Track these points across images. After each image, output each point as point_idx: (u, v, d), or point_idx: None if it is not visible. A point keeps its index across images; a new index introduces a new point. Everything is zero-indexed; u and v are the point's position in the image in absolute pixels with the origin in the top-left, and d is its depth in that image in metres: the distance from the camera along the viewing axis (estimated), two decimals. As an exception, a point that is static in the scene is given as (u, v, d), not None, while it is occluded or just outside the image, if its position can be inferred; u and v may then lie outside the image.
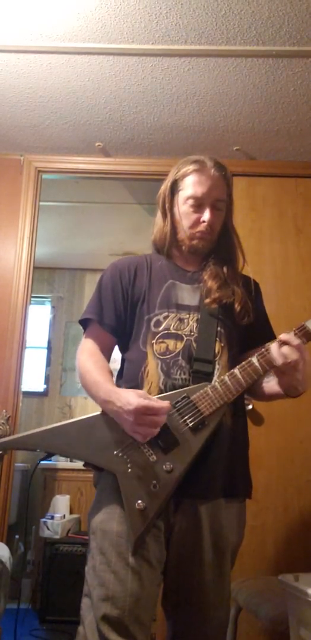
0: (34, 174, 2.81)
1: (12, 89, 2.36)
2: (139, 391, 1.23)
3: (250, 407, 2.31)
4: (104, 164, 2.85)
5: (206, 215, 1.41)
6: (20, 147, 2.78)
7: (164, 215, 1.49)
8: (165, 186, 1.50)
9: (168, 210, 1.48)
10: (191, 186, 1.43)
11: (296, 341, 1.22)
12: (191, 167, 1.44)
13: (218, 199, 1.44)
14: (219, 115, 2.46)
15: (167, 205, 1.48)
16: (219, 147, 2.64)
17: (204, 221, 1.41)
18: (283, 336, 1.24)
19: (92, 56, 2.15)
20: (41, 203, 2.84)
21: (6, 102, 2.44)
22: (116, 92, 2.35)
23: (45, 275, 4.62)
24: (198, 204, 1.42)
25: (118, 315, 1.43)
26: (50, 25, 2.01)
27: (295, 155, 2.73)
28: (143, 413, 1.18)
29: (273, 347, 1.24)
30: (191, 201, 1.42)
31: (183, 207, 1.44)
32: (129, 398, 1.20)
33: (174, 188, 1.48)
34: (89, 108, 2.46)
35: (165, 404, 1.20)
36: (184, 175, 1.45)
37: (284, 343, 1.23)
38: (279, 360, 1.21)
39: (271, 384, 1.38)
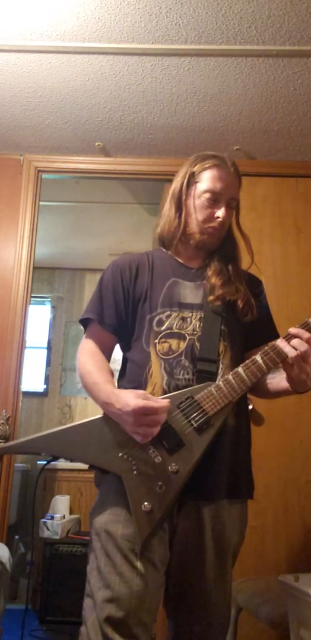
0: (33, 173, 2.81)
1: (12, 89, 2.36)
2: (139, 391, 1.22)
3: (251, 407, 2.30)
4: (104, 163, 2.84)
5: (222, 211, 1.40)
6: (20, 146, 2.78)
7: (177, 207, 1.46)
8: (182, 178, 1.47)
9: (183, 202, 1.45)
10: (209, 180, 1.41)
11: (306, 334, 1.23)
12: (211, 162, 1.43)
13: (233, 197, 1.44)
14: (220, 114, 2.46)
15: (183, 197, 1.45)
16: (220, 146, 2.64)
17: (218, 217, 1.40)
18: (292, 330, 1.25)
19: (92, 56, 2.15)
20: (41, 203, 2.84)
21: (6, 101, 2.44)
22: (115, 92, 2.35)
23: (45, 275, 4.62)
24: (214, 199, 1.41)
25: (119, 315, 1.41)
26: (50, 24, 2.01)
27: (295, 154, 2.73)
28: (142, 414, 1.17)
29: (281, 342, 1.24)
30: (208, 195, 1.40)
31: (198, 200, 1.42)
32: (128, 399, 1.19)
33: (190, 180, 1.45)
34: (89, 108, 2.46)
35: (164, 402, 1.19)
36: (203, 169, 1.43)
37: (294, 336, 1.23)
38: (291, 353, 1.21)
39: (277, 381, 1.37)
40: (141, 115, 2.49)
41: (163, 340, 1.34)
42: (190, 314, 1.37)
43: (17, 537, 3.63)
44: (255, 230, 2.66)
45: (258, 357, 1.26)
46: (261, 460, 2.31)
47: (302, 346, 1.21)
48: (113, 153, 2.81)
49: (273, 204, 2.73)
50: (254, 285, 1.50)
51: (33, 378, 4.43)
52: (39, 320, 4.55)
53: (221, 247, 1.47)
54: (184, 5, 1.91)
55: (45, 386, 4.45)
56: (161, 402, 1.19)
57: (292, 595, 1.54)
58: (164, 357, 1.32)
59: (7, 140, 2.73)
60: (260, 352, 1.26)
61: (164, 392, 1.29)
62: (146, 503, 1.18)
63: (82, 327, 1.47)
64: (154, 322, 1.37)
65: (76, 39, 2.07)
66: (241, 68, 2.18)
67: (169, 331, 1.35)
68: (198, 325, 1.35)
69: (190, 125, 2.54)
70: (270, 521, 2.34)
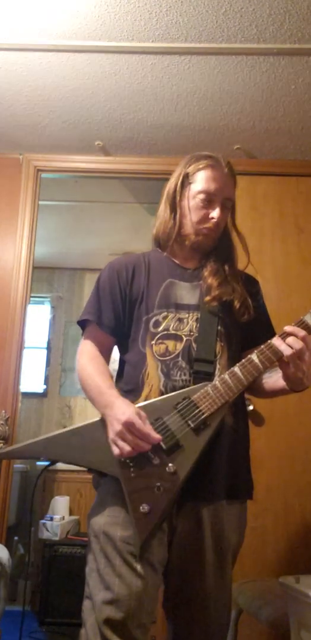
0: (33, 173, 2.80)
1: (11, 88, 2.35)
2: (141, 412, 1.21)
3: (251, 407, 2.29)
4: (103, 163, 2.84)
5: (216, 212, 1.40)
6: (19, 146, 2.77)
7: (172, 209, 1.45)
8: (176, 179, 1.46)
9: (178, 203, 1.44)
10: (204, 181, 1.41)
11: (302, 332, 1.23)
12: (205, 162, 1.42)
13: (228, 197, 1.43)
14: (220, 113, 2.45)
15: (177, 198, 1.44)
16: (220, 145, 2.63)
17: (213, 217, 1.40)
18: (287, 328, 1.24)
19: (91, 54, 2.14)
20: (40, 202, 2.83)
21: (5, 100, 2.43)
22: (115, 91, 2.34)
23: (44, 275, 4.61)
24: (209, 200, 1.40)
25: (117, 316, 1.41)
26: (50, 23, 2.00)
27: (296, 153, 2.72)
28: (129, 429, 1.17)
29: (276, 340, 1.23)
30: (202, 196, 1.40)
31: (192, 201, 1.42)
32: (125, 409, 1.20)
33: (184, 181, 1.45)
34: (88, 107, 2.45)
35: (156, 436, 1.19)
36: (197, 170, 1.42)
37: (289, 334, 1.23)
38: (287, 351, 1.21)
39: (273, 380, 1.37)
40: (141, 114, 2.48)
41: (160, 341, 1.34)
42: (187, 315, 1.37)
43: (16, 538, 3.62)
44: (256, 229, 2.65)
45: (254, 356, 1.25)
46: (262, 461, 2.31)
47: (297, 344, 1.21)
48: (113, 152, 2.80)
49: (273, 203, 2.72)
50: (250, 285, 1.49)
51: (33, 378, 4.42)
52: (38, 320, 4.54)
53: (217, 247, 1.47)
54: (185, 4, 1.90)
55: (44, 386, 4.44)
56: (153, 433, 1.19)
57: (293, 597, 1.53)
58: (161, 358, 1.32)
59: (7, 140, 2.72)
60: (256, 351, 1.26)
61: (162, 394, 1.28)
62: (144, 505, 1.18)
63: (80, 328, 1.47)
64: (151, 323, 1.36)
65: (76, 37, 2.06)
66: (241, 67, 2.17)
67: (165, 332, 1.35)
68: (194, 326, 1.35)
69: (190, 124, 2.53)
70: (270, 522, 2.33)
